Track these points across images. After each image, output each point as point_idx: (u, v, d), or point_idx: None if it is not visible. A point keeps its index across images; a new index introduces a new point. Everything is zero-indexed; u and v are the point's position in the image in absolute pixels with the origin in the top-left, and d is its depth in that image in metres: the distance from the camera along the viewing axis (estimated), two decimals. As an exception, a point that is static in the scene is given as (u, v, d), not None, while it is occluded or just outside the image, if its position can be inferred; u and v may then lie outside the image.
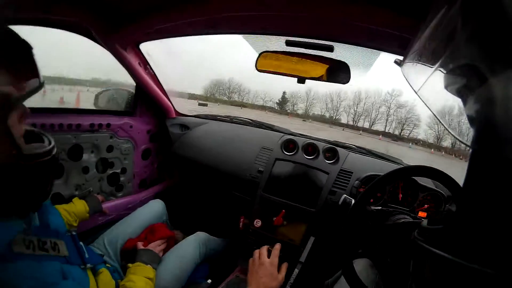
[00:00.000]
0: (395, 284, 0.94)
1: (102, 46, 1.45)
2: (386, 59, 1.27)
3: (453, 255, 0.38)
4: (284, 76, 1.29)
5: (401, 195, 1.42)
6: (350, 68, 1.22)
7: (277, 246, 1.21)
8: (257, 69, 1.24)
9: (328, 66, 1.22)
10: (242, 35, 1.29)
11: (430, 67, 0.49)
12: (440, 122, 0.46)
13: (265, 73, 1.32)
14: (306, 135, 1.88)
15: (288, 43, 1.21)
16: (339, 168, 1.61)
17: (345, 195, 1.17)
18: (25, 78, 0.70)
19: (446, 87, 0.44)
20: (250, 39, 1.29)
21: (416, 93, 0.54)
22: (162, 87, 1.87)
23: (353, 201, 1.19)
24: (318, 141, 1.73)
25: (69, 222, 1.26)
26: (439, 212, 1.39)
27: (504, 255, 0.34)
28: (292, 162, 1.66)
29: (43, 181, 0.82)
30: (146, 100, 1.85)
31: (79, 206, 1.35)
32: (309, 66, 1.23)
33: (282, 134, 1.84)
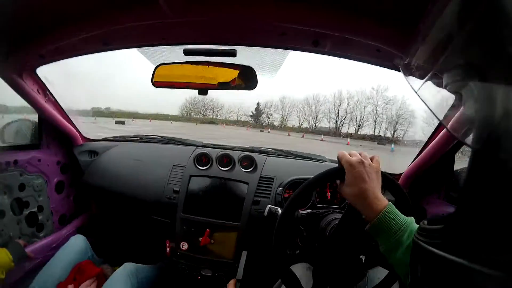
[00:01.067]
0: (335, 281, 0.98)
1: None
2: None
3: (453, 255, 0.39)
4: (184, 89, 1.22)
5: (329, 194, 1.40)
6: (256, 71, 1.20)
7: (231, 282, 1.15)
8: (153, 85, 1.18)
9: (231, 73, 1.22)
10: (137, 48, 1.19)
11: (430, 67, 0.51)
12: (441, 122, 0.48)
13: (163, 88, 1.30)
14: (220, 145, 2.01)
15: (186, 52, 1.19)
16: (258, 175, 1.72)
17: (269, 205, 1.17)
18: None
19: (446, 86, 0.46)
20: (146, 52, 1.21)
21: (416, 93, 0.54)
22: (65, 113, 1.94)
23: (279, 210, 1.14)
24: (233, 150, 1.84)
25: None
26: None
27: (505, 255, 0.35)
28: (208, 176, 1.74)
29: None
30: (51, 129, 1.91)
31: (1, 257, 1.33)
32: (209, 75, 1.24)
33: (194, 147, 1.96)
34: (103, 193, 1.97)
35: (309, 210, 1.10)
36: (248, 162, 1.72)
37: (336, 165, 0.91)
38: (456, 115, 0.47)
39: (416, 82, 0.57)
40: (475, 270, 0.36)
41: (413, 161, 1.51)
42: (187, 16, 1.02)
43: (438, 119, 0.48)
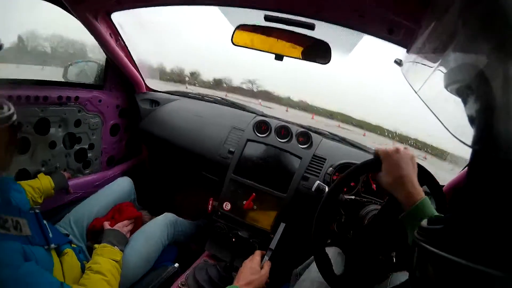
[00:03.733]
0: (361, 273, 0.98)
1: (72, 14, 1.43)
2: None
3: (453, 255, 0.40)
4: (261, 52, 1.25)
5: (374, 186, 1.42)
6: (330, 48, 1.23)
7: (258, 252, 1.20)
8: (232, 43, 1.24)
9: (308, 44, 1.24)
10: (219, 6, 1.22)
11: (430, 67, 0.52)
12: (441, 122, 0.46)
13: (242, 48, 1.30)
14: (279, 118, 1.91)
15: (267, 18, 1.20)
16: (312, 153, 1.66)
17: (319, 182, 1.17)
18: None
19: (447, 86, 0.46)
20: (227, 12, 1.23)
21: (416, 93, 0.55)
22: (134, 60, 1.91)
23: (327, 188, 1.18)
24: (292, 125, 1.76)
25: (34, 198, 1.30)
26: None
27: (506, 255, 0.35)
28: (264, 144, 1.71)
29: (1, 150, 0.81)
30: (117, 73, 1.88)
31: (44, 182, 1.37)
32: (287, 43, 1.24)
33: (255, 115, 1.90)
34: (158, 142, 1.95)
35: (353, 197, 1.07)
36: (305, 138, 1.69)
37: None
38: (456, 115, 0.44)
39: (416, 82, 0.59)
40: (475, 270, 0.36)
41: (460, 171, 1.43)
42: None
43: (438, 119, 0.47)
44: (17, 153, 1.41)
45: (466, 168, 1.33)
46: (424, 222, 0.53)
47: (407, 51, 0.89)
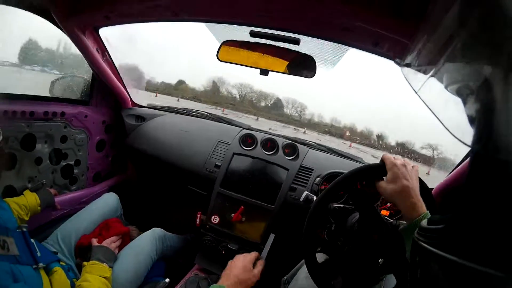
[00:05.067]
0: (353, 279, 1.02)
1: (61, 29, 1.45)
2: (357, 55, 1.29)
3: (453, 255, 0.40)
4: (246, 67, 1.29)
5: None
6: (315, 62, 1.25)
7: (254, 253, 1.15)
8: (218, 59, 1.25)
9: (293, 58, 1.26)
10: (205, 23, 1.24)
11: (430, 67, 0.52)
12: (441, 122, 0.45)
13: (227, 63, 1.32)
14: (265, 131, 1.94)
15: (253, 34, 1.23)
16: (299, 164, 1.67)
17: (307, 192, 1.19)
18: None
19: (447, 87, 0.46)
20: (213, 28, 1.26)
21: (416, 93, 0.55)
22: (120, 76, 1.91)
23: (315, 198, 1.20)
24: (277, 137, 1.78)
25: (20, 215, 1.28)
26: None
27: (506, 255, 0.35)
28: (251, 157, 1.72)
29: None
30: (103, 89, 1.88)
31: (30, 199, 1.36)
32: (273, 58, 1.26)
33: (240, 128, 1.91)
34: (144, 157, 1.97)
35: (342, 205, 1.08)
36: (291, 150, 1.71)
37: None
38: (456, 115, 0.44)
39: (416, 82, 0.59)
40: (476, 270, 0.36)
41: (448, 175, 1.46)
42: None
43: (438, 119, 0.46)
44: (3, 169, 1.39)
45: (454, 171, 1.37)
46: (424, 222, 0.54)
47: (407, 51, 0.89)
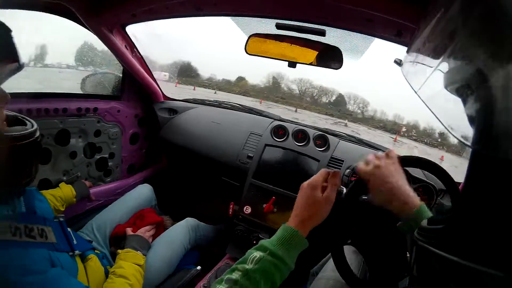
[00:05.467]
0: (382, 272, 1.00)
1: (87, 28, 1.47)
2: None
3: (453, 255, 0.40)
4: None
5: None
6: (342, 53, 1.23)
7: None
8: (246, 52, 1.26)
9: (319, 50, 1.24)
10: (231, 17, 1.28)
11: (430, 66, 0.51)
12: (440, 122, 0.46)
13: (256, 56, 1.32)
14: (296, 122, 1.94)
15: (279, 26, 1.22)
16: (329, 155, 1.67)
17: None
18: (3, 62, 0.74)
19: (446, 86, 0.45)
20: (239, 22, 1.28)
21: (416, 93, 0.55)
22: (150, 70, 1.94)
23: (344, 190, 1.21)
24: (308, 128, 1.78)
25: (56, 207, 1.32)
26: (430, 205, 1.42)
27: (506, 255, 0.35)
28: (282, 148, 1.73)
29: (26, 164, 0.85)
30: (134, 84, 1.92)
31: (65, 191, 1.41)
32: (299, 50, 1.25)
33: (272, 120, 1.92)
34: (177, 149, 2.00)
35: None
36: (322, 141, 1.71)
37: None
38: (456, 115, 0.44)
39: (416, 81, 0.58)
40: (476, 270, 0.36)
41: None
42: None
43: (438, 119, 0.46)
44: (39, 164, 1.49)
45: None
46: (424, 222, 0.54)
47: (407, 51, 0.87)
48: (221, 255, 1.72)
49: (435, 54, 0.49)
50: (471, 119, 0.38)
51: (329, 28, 1.20)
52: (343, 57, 1.23)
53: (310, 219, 0.80)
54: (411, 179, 1.40)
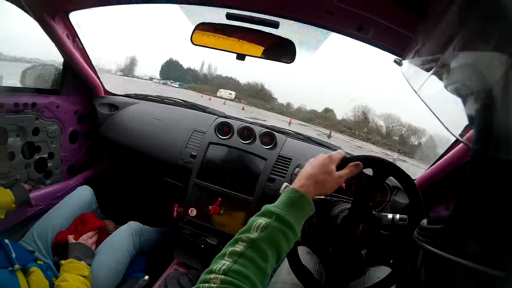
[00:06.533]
0: (338, 272, 1.00)
1: (29, 14, 1.41)
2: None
3: (453, 255, 0.40)
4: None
5: (344, 184, 1.41)
6: (295, 47, 1.22)
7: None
8: (192, 42, 1.20)
9: (271, 43, 1.26)
10: (178, 4, 1.21)
11: (430, 67, 0.52)
12: (440, 122, 0.45)
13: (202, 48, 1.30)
14: (241, 119, 1.96)
15: (229, 16, 1.21)
16: (277, 154, 1.69)
17: (286, 183, 1.13)
18: None
19: (446, 86, 0.46)
20: (186, 10, 1.19)
21: (416, 92, 0.55)
22: (91, 62, 1.90)
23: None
24: (254, 125, 1.80)
25: None
26: (383, 202, 1.46)
27: (505, 255, 0.35)
28: (227, 146, 1.74)
29: None
30: (74, 77, 1.86)
31: (3, 197, 1.33)
32: (250, 42, 1.25)
33: (216, 116, 1.94)
34: (118, 148, 1.96)
35: (323, 196, 1.13)
36: (269, 139, 1.72)
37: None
38: (456, 115, 0.45)
39: (416, 82, 0.58)
40: (475, 270, 0.37)
41: (430, 166, 1.47)
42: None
43: (438, 119, 0.47)
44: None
45: (437, 163, 1.35)
46: (424, 222, 0.54)
47: (407, 52, 0.85)
48: (168, 259, 1.74)
49: (435, 54, 0.50)
50: (471, 119, 0.39)
51: (283, 19, 1.19)
52: (296, 51, 1.22)
53: (319, 186, 0.76)
54: (363, 177, 1.37)
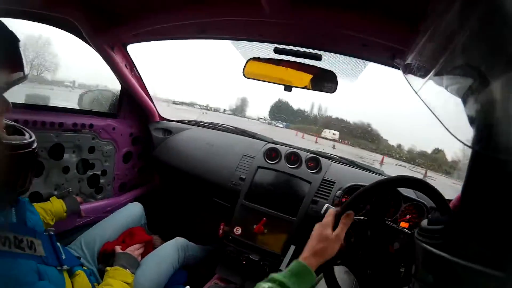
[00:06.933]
0: None
1: (90, 45, 1.49)
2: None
3: (453, 255, 0.40)
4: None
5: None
6: (337, 77, 1.27)
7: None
8: (244, 75, 1.28)
9: (315, 74, 1.28)
10: (231, 41, 1.33)
11: (431, 68, 0.51)
12: (441, 123, 0.45)
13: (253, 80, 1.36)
14: (289, 144, 1.94)
15: (277, 51, 1.26)
16: (321, 177, 1.67)
17: (327, 204, 1.20)
18: (8, 70, 0.73)
19: (447, 88, 0.46)
20: (239, 46, 1.32)
21: (416, 93, 0.55)
22: (147, 90, 1.93)
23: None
24: (301, 151, 1.78)
25: (46, 220, 1.28)
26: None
27: (505, 255, 0.35)
28: (274, 170, 1.73)
29: (22, 173, 0.83)
30: (131, 102, 1.91)
31: (56, 205, 1.37)
32: (296, 74, 1.29)
33: (265, 142, 1.92)
34: (170, 169, 1.99)
35: (362, 217, 1.04)
36: (314, 163, 1.71)
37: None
38: (456, 116, 0.45)
39: (416, 82, 0.57)
40: (475, 270, 0.37)
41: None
42: (284, 18, 1.09)
43: (438, 120, 0.46)
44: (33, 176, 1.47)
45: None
46: (424, 222, 0.55)
47: (407, 54, 0.91)
48: (209, 276, 1.69)
49: (436, 56, 0.49)
50: (472, 120, 0.38)
51: (325, 52, 1.25)
52: (337, 80, 1.27)
53: (319, 255, 0.82)
54: (402, 199, 1.42)
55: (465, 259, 0.39)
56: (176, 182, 2.21)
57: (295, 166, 1.72)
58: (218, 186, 1.80)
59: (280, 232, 1.58)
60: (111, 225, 1.53)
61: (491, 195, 0.38)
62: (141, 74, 1.84)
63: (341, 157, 1.91)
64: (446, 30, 0.46)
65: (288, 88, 1.28)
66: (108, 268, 1.21)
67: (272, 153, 1.79)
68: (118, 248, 1.37)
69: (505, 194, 0.36)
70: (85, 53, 1.56)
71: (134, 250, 1.40)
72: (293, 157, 1.74)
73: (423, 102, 0.51)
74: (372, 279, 0.99)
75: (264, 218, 1.61)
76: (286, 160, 1.74)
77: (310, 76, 1.29)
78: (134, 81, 1.78)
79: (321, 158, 1.73)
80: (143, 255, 1.46)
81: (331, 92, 1.27)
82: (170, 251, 1.51)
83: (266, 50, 1.32)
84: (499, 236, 0.37)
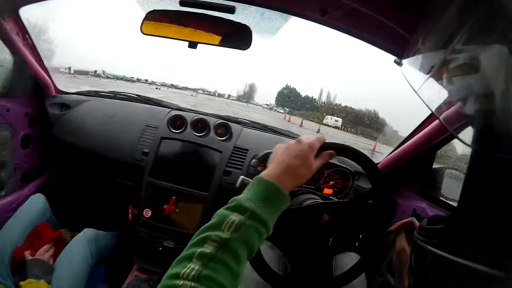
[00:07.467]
0: (304, 264, 1.00)
1: None
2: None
3: (453, 255, 0.40)
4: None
5: None
6: (252, 32, 1.16)
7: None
8: (142, 31, 1.14)
9: (226, 30, 1.18)
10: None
11: (430, 66, 0.52)
12: (441, 122, 0.48)
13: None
14: (196, 110, 1.96)
15: (183, 3, 1.13)
16: (232, 145, 1.68)
17: (243, 176, 1.08)
18: None
19: (446, 86, 0.47)
20: (138, -2, 1.15)
21: (416, 92, 0.55)
22: (42, 60, 1.82)
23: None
24: (209, 116, 1.78)
25: None
26: (346, 188, 1.46)
27: (505, 255, 0.36)
28: (180, 140, 1.72)
29: None
30: (25, 77, 1.77)
31: None
32: (203, 28, 1.16)
33: (169, 109, 1.91)
34: (71, 150, 1.92)
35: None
36: (224, 130, 1.71)
37: None
38: (456, 114, 0.45)
39: (415, 81, 0.59)
40: (475, 270, 0.37)
41: (393, 150, 1.46)
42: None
43: (439, 120, 0.48)
44: None
45: (400, 148, 1.41)
46: (424, 222, 0.55)
47: (407, 51, 0.83)
48: (129, 263, 1.73)
49: (435, 53, 0.51)
50: (472, 119, 0.40)
51: (240, 4, 1.14)
52: (252, 36, 1.15)
53: (292, 174, 0.69)
54: (325, 165, 1.34)
55: (465, 258, 0.39)
56: (78, 164, 2.17)
57: (203, 134, 1.73)
58: (120, 163, 1.76)
59: (193, 210, 1.67)
60: (17, 227, 1.46)
61: (491, 195, 0.38)
62: (34, 42, 1.68)
63: (253, 122, 1.91)
64: (447, 26, 0.47)
65: (193, 44, 1.11)
66: (21, 283, 1.17)
67: (176, 121, 1.78)
68: (27, 255, 1.34)
69: (505, 193, 0.37)
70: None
71: (44, 253, 1.40)
72: (200, 124, 1.76)
73: (422, 100, 0.51)
74: (298, 250, 1.02)
75: (174, 197, 1.65)
76: (192, 128, 1.74)
77: (220, 31, 1.16)
78: (26, 52, 1.66)
79: (231, 124, 1.75)
80: (55, 255, 1.44)
81: (244, 49, 1.20)
82: (80, 247, 1.49)
83: (170, 2, 1.16)
84: (499, 236, 0.37)
